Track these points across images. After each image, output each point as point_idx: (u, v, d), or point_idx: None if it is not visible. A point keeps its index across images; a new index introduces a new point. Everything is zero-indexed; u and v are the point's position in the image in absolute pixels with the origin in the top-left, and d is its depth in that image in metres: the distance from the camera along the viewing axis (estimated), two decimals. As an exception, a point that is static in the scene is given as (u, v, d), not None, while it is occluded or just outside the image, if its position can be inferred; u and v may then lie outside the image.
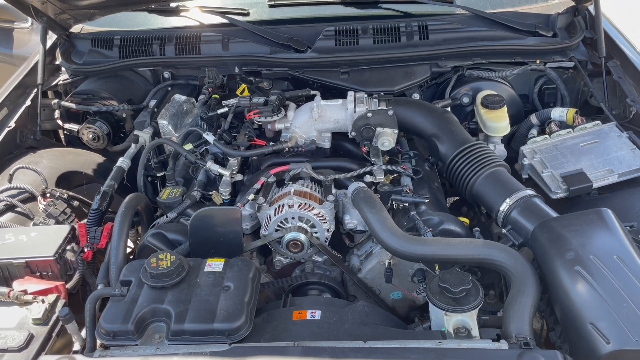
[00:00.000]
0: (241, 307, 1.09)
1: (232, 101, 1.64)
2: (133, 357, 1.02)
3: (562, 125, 1.60)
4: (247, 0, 2.01)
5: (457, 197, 1.75)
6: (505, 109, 1.60)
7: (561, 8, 1.93)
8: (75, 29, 1.99)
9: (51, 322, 1.14)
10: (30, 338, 1.10)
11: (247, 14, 1.94)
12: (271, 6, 1.95)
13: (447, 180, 1.57)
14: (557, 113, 1.62)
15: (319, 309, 1.17)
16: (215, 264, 1.20)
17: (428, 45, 1.79)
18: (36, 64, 1.86)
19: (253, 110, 1.55)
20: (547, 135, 1.55)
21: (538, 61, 1.77)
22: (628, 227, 1.22)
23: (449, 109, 1.67)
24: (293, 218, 1.33)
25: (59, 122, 1.86)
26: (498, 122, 1.58)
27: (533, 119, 1.66)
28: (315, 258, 1.41)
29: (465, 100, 1.73)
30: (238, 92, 1.74)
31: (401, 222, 1.36)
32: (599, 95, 1.69)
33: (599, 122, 1.55)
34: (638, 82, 1.64)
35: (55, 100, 1.85)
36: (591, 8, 1.87)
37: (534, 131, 1.62)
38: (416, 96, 1.76)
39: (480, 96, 1.66)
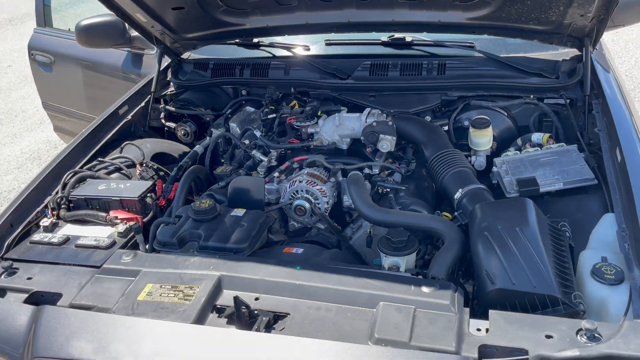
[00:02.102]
0: (247, 237, 1.59)
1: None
2: (173, 256, 1.55)
3: (538, 146, 1.95)
4: (311, 38, 2.56)
5: None
6: (489, 129, 1.99)
7: (568, 56, 2.27)
8: (184, 55, 2.68)
9: (129, 236, 1.72)
10: (114, 242, 1.68)
11: (308, 49, 2.51)
12: (327, 44, 2.50)
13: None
14: (536, 137, 1.98)
15: (302, 248, 1.64)
16: (238, 211, 1.72)
17: (442, 78, 2.23)
18: (152, 79, 2.55)
19: (292, 117, 2.09)
20: (517, 151, 1.91)
21: (532, 96, 2.13)
22: (561, 222, 1.56)
23: (446, 127, 2.09)
24: (302, 190, 1.82)
25: (163, 121, 2.51)
26: (481, 139, 1.97)
27: (519, 141, 2.03)
28: (319, 225, 1.88)
29: (466, 123, 2.13)
30: (290, 106, 2.29)
31: (382, 202, 1.80)
32: (577, 126, 2.02)
33: (563, 144, 1.89)
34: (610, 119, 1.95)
35: (162, 105, 2.52)
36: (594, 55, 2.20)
37: (512, 149, 1.98)
38: (428, 118, 2.20)
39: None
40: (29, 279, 1.52)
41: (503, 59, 2.24)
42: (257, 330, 1.26)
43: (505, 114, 2.16)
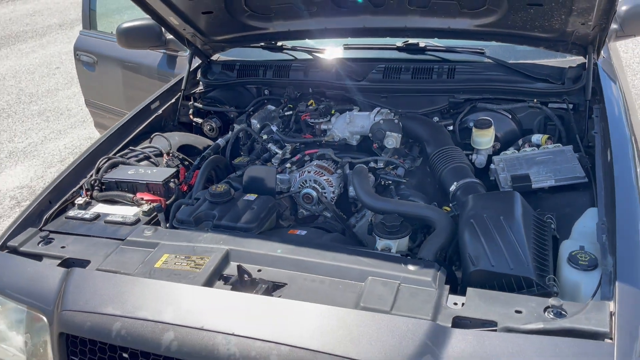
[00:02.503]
0: (256, 218, 1.76)
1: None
2: (189, 232, 1.73)
3: (537, 146, 2.05)
4: (330, 42, 2.71)
5: None
6: (490, 130, 2.10)
7: (575, 63, 2.36)
8: (214, 57, 2.88)
9: (152, 215, 1.91)
10: (138, 220, 1.86)
11: (328, 53, 2.67)
12: (345, 48, 2.66)
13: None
14: (536, 138, 2.08)
15: (307, 231, 1.79)
16: (250, 196, 1.88)
17: (451, 82, 2.35)
18: (183, 77, 2.75)
19: (306, 114, 2.25)
20: (516, 151, 2.02)
21: (535, 100, 2.23)
22: (547, 215, 1.67)
23: (451, 127, 2.21)
24: (310, 180, 1.98)
25: (191, 116, 2.71)
26: (482, 139, 2.09)
27: (520, 141, 2.13)
28: (326, 214, 2.03)
29: (471, 124, 2.25)
30: (308, 104, 2.46)
31: (383, 193, 1.94)
32: (575, 128, 2.11)
33: (559, 144, 1.99)
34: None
35: (191, 102, 2.72)
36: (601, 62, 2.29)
37: (512, 148, 2.09)
38: (435, 119, 2.32)
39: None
40: (62, 247, 1.72)
41: (511, 64, 2.35)
42: (256, 294, 1.42)
43: (510, 117, 2.27)
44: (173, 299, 1.41)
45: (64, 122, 5.76)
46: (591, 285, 1.40)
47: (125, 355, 1.39)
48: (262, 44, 2.71)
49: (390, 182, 1.95)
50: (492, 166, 1.98)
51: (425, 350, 1.23)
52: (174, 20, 2.47)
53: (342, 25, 2.42)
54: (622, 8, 2.55)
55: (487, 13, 2.16)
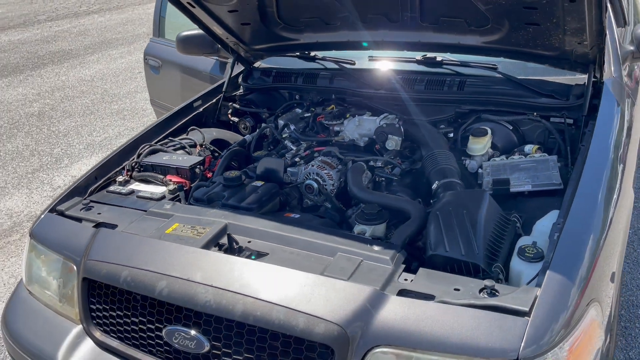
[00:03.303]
0: (258, 200, 2.03)
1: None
2: (200, 207, 2.02)
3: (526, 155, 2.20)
4: (357, 54, 2.95)
5: None
6: (485, 138, 2.26)
7: (583, 81, 2.47)
8: (256, 64, 3.20)
9: (175, 194, 2.22)
10: (163, 197, 2.18)
11: (354, 64, 2.92)
12: (370, 60, 2.89)
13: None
14: (528, 147, 2.22)
15: (300, 215, 2.04)
16: (258, 183, 2.16)
17: (460, 94, 2.52)
18: (225, 81, 3.09)
19: (322, 116, 2.51)
20: (504, 158, 2.18)
21: (535, 113, 2.37)
22: (515, 215, 1.84)
23: (451, 135, 2.39)
24: (313, 173, 2.23)
25: (229, 116, 3.04)
26: (476, 146, 2.25)
27: (515, 151, 2.28)
28: (326, 204, 2.27)
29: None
30: (328, 109, 2.71)
31: (374, 188, 2.15)
32: (561, 142, 2.23)
33: (545, 154, 2.13)
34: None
35: (230, 103, 3.05)
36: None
37: (503, 156, 2.24)
38: (442, 127, 2.50)
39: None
40: (98, 214, 2.07)
41: (519, 80, 2.49)
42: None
43: (511, 128, 2.41)
44: (172, 256, 1.71)
45: (138, 120, 6.33)
46: (532, 275, 1.56)
47: (129, 297, 1.70)
48: (297, 53, 3.00)
49: (383, 179, 2.17)
50: (479, 170, 2.14)
51: (364, 310, 1.45)
52: (217, 30, 2.81)
53: (362, 39, 2.66)
54: (638, 30, 2.63)
55: (493, 31, 2.33)
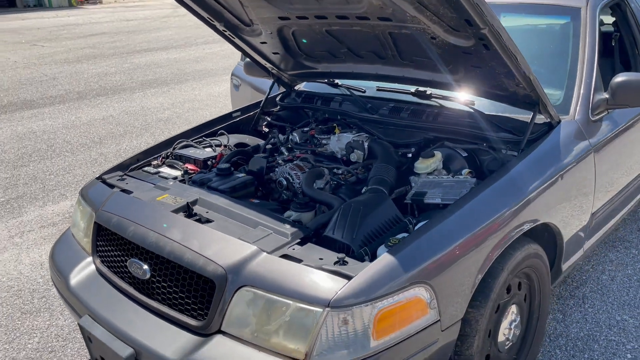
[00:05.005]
0: (233, 186, 2.63)
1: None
2: (188, 186, 2.69)
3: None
4: (368, 84, 3.45)
5: None
6: (430, 160, 2.64)
7: (542, 121, 2.74)
8: (297, 87, 3.84)
9: (185, 177, 2.92)
10: (176, 177, 2.89)
11: (364, 92, 3.43)
12: (377, 90, 3.39)
13: None
14: (463, 171, 2.58)
15: (259, 200, 2.61)
16: (240, 174, 2.77)
17: (432, 123, 2.91)
18: (264, 99, 3.77)
19: (313, 130, 3.06)
20: (436, 176, 2.55)
21: (485, 144, 2.70)
22: (409, 218, 2.25)
23: (410, 155, 2.80)
24: (285, 172, 2.79)
25: (263, 127, 3.70)
26: (421, 165, 2.64)
27: (451, 173, 2.63)
28: (295, 199, 2.80)
29: (428, 156, 2.80)
30: (325, 127, 3.26)
31: (326, 189, 2.66)
32: (487, 171, 2.55)
33: (468, 177, 2.47)
34: None
35: (266, 117, 3.72)
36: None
37: (436, 175, 2.61)
38: (413, 149, 2.91)
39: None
40: (127, 184, 2.83)
41: (486, 115, 2.82)
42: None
43: (465, 155, 2.75)
44: (148, 213, 2.39)
45: (241, 132, 7.32)
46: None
47: (115, 237, 2.41)
48: (326, 80, 3.58)
49: (335, 182, 2.67)
50: (412, 184, 2.55)
51: (243, 261, 1.99)
52: (257, 57, 3.51)
53: (363, 71, 3.18)
54: (615, 79, 2.82)
55: (456, 70, 2.73)
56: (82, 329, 2.28)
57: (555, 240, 2.65)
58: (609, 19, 3.94)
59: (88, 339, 2.27)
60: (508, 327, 2.43)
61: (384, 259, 1.90)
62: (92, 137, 7.14)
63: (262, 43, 3.31)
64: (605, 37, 4.18)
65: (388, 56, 2.91)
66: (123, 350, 2.07)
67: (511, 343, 2.49)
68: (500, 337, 2.40)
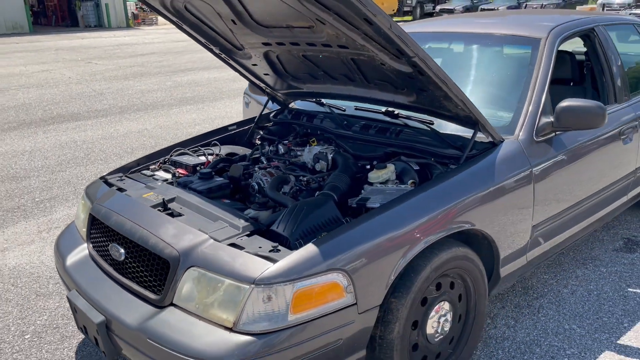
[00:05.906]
0: (209, 188, 3.04)
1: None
2: (171, 187, 3.11)
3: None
4: (349, 103, 3.81)
5: None
6: (382, 171, 2.96)
7: (488, 139, 3.03)
8: (291, 105, 4.24)
9: (174, 179, 3.35)
10: (166, 180, 3.33)
11: (344, 110, 3.80)
12: (355, 109, 3.75)
13: None
14: (409, 181, 2.89)
15: (229, 200, 3.01)
16: (219, 178, 3.18)
17: (393, 139, 3.25)
18: (258, 115, 4.19)
19: (289, 143, 3.45)
20: (383, 185, 2.88)
21: (432, 159, 3.01)
22: (347, 219, 2.60)
23: (368, 166, 3.14)
24: (257, 178, 3.17)
25: (257, 140, 4.11)
26: (374, 175, 2.97)
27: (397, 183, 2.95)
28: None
29: (384, 168, 3.13)
30: (310, 142, 3.64)
31: (289, 193, 3.02)
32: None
33: (407, 185, 2.79)
34: None
35: (260, 131, 4.13)
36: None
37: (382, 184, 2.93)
38: (375, 162, 3.25)
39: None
40: (124, 183, 3.28)
41: (440, 134, 3.13)
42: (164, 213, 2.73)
43: (417, 168, 3.06)
44: (130, 207, 2.82)
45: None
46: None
47: (102, 225, 2.85)
48: (314, 99, 3.97)
49: (297, 187, 3.03)
50: (362, 191, 2.89)
51: (194, 246, 2.39)
52: (251, 77, 3.94)
53: (338, 92, 3.55)
54: (560, 104, 3.09)
55: (409, 93, 3.07)
56: (69, 300, 2.71)
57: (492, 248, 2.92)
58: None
59: (74, 309, 2.70)
60: (437, 321, 2.71)
61: (308, 247, 2.26)
62: (125, 148, 7.75)
63: (254, 65, 3.74)
64: (580, 65, 4.42)
65: (356, 79, 3.28)
66: (96, 317, 2.49)
67: (441, 336, 2.76)
68: (429, 330, 2.68)
